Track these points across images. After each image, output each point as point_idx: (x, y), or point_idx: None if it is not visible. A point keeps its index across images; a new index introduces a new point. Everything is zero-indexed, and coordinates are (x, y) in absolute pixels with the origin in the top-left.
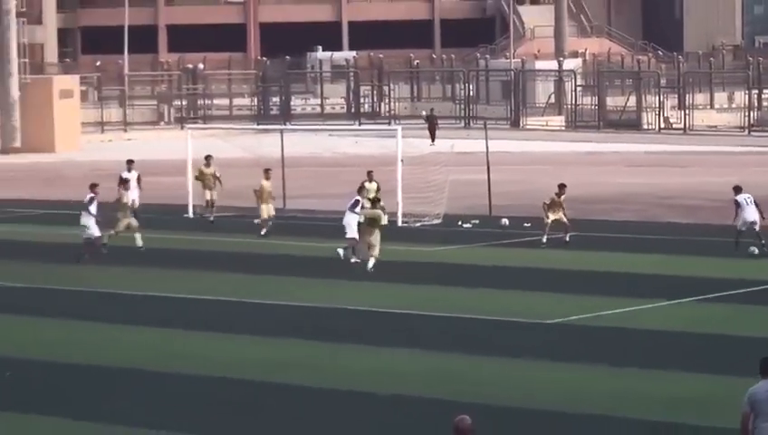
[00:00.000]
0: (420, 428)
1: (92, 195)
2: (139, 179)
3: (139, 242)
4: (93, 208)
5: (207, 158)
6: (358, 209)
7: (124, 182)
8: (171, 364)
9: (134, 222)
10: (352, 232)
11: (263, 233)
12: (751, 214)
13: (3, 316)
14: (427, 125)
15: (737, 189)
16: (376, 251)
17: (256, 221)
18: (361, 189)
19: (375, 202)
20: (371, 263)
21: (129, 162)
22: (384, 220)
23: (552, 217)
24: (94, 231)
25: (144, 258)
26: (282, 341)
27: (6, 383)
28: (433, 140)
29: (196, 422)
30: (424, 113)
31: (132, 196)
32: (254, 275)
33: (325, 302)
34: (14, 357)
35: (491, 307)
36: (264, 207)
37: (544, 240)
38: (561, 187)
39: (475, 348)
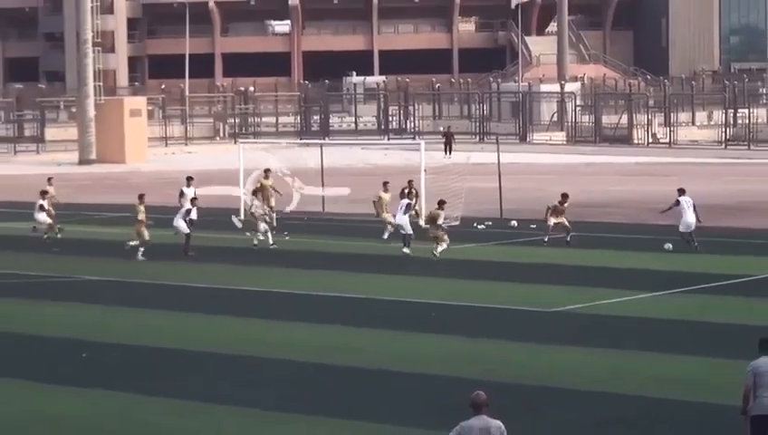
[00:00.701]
0: (442, 403)
1: (190, 207)
2: (194, 195)
3: (271, 240)
4: (188, 218)
5: (267, 171)
6: (407, 210)
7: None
8: (235, 347)
9: (263, 226)
10: (406, 229)
11: (385, 236)
12: (690, 217)
13: (79, 304)
14: (444, 140)
15: (681, 191)
16: (442, 246)
17: (385, 236)
18: (404, 194)
19: (441, 204)
20: (439, 250)
21: (189, 179)
22: (441, 220)
23: (553, 220)
24: (184, 230)
25: (208, 256)
26: (328, 327)
27: (83, 362)
28: (449, 154)
29: (256, 397)
30: (442, 129)
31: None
32: (303, 269)
33: (364, 293)
34: (91, 340)
35: (501, 297)
36: (385, 215)
37: (546, 239)
38: (564, 196)
39: (486, 333)
